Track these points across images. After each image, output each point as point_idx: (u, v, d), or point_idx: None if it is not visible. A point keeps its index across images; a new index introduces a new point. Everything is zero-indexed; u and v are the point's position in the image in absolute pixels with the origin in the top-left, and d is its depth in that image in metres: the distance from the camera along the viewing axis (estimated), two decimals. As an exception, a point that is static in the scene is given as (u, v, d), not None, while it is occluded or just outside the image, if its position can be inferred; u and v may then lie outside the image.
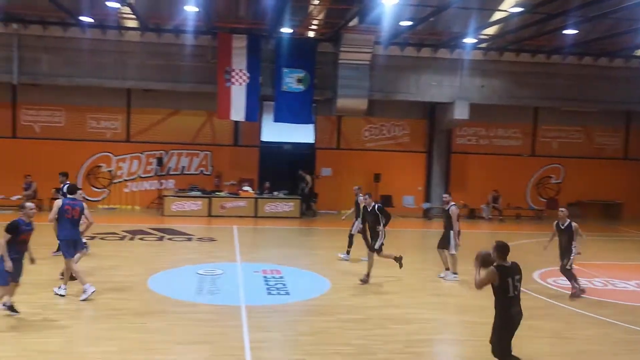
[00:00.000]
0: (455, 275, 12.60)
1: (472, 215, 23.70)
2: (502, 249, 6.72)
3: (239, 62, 20.62)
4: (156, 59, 20.83)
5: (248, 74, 20.68)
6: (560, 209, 11.78)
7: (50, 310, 9.64)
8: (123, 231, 17.35)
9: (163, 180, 22.73)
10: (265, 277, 12.39)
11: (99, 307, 9.90)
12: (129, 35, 20.81)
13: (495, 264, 6.69)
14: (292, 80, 21.00)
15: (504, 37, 20.80)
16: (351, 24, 19.40)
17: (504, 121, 24.78)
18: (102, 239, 16.18)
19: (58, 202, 10.74)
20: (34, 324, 8.91)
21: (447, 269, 12.75)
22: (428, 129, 24.30)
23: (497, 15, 19.05)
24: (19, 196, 20.04)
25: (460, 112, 22.10)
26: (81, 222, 10.75)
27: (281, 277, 12.06)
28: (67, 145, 21.80)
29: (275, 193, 21.85)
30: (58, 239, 10.71)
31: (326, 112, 22.84)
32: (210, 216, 20.94)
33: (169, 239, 16.67)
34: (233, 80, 20.60)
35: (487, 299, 7.22)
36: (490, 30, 20.55)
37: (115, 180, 22.48)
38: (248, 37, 20.61)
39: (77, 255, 10.79)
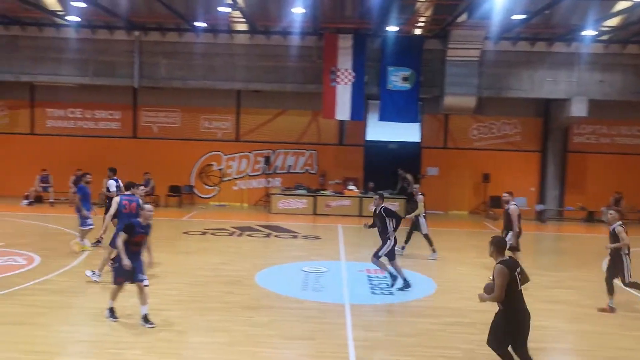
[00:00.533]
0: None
1: (590, 218, 22.26)
2: (500, 244, 6.67)
3: (345, 62, 20.70)
4: (264, 60, 21.39)
5: (353, 73, 20.71)
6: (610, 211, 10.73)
7: (164, 301, 10.11)
8: (232, 227, 17.95)
9: (270, 179, 23.32)
10: (369, 276, 12.32)
11: (210, 300, 10.28)
12: (239, 38, 21.53)
13: (497, 261, 6.58)
14: (397, 79, 20.78)
15: (627, 28, 19.34)
16: (460, 19, 18.87)
17: (627, 118, 23.06)
18: (212, 234, 16.84)
19: (116, 199, 11.44)
20: (152, 314, 9.37)
21: None
22: (542, 127, 23.13)
23: (620, 5, 17.75)
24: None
25: (578, 109, 20.81)
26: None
27: (385, 277, 11.93)
28: (181, 145, 22.93)
29: (380, 192, 21.67)
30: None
31: (433, 110, 22.39)
32: (315, 214, 21.19)
33: (276, 235, 17.04)
34: (338, 79, 20.72)
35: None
36: (612, 22, 19.18)
37: (225, 179, 23.34)
38: (354, 37, 20.64)
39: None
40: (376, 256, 11.27)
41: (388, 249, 11.15)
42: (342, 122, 22.81)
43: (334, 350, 8.05)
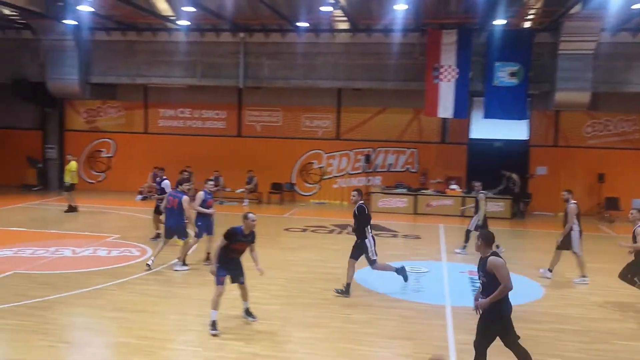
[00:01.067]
0: (584, 279, 11.77)
1: None
2: (487, 237, 6.72)
3: (448, 58, 20.18)
4: (365, 58, 21.34)
5: (457, 70, 20.16)
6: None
7: (265, 295, 10.34)
8: (332, 225, 18.06)
9: (370, 177, 23.24)
10: (471, 278, 11.93)
11: (309, 296, 10.39)
12: (340, 37, 21.62)
13: (489, 254, 6.58)
14: (504, 74, 19.97)
15: None
16: (573, 11, 17.81)
17: None
18: (312, 231, 17.03)
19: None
20: (253, 307, 9.61)
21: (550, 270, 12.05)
22: (666, 124, 21.39)
23: None
24: (242, 189, 22.01)
25: None
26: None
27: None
28: (283, 143, 23.40)
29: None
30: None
31: (542, 106, 21.32)
32: (415, 214, 20.86)
33: (375, 234, 16.84)
34: (441, 76, 20.25)
35: None
36: None
37: (325, 177, 23.54)
38: (458, 32, 20.07)
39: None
40: (372, 263, 10.68)
41: (372, 248, 10.55)
42: (444, 120, 22.29)
43: (433, 351, 7.86)
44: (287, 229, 17.07)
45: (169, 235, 12.13)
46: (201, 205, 12.23)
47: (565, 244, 11.88)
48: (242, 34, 21.86)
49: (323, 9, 18.60)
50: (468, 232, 14.42)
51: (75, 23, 20.67)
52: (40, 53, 22.63)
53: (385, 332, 8.63)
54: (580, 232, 11.82)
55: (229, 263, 8.63)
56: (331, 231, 17.21)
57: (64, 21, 20.37)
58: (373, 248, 10.58)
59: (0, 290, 10.15)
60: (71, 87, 22.50)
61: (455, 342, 8.24)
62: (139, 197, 22.14)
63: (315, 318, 9.24)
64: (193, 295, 10.23)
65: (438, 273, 12.40)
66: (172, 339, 8.28)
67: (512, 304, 6.77)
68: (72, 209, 18.59)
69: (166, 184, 14.68)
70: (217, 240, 8.69)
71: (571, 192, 12.15)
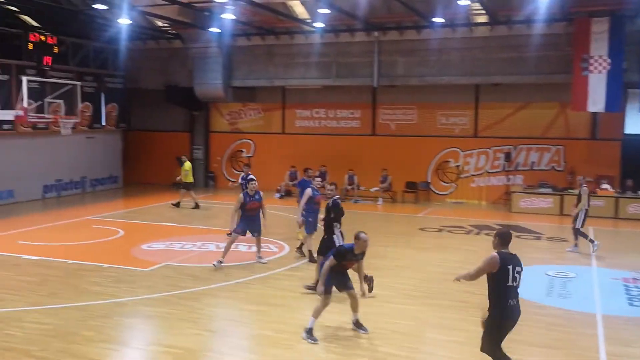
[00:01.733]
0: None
1: None
2: (504, 236, 6.57)
3: (599, 48, 18.67)
4: (505, 52, 20.39)
5: (609, 60, 18.58)
6: None
7: (400, 295, 10.19)
8: (469, 225, 17.45)
9: (511, 176, 22.15)
10: (626, 285, 10.94)
11: (446, 297, 10.08)
12: (478, 30, 20.85)
13: (496, 250, 6.45)
14: (664, 63, 18.10)
15: None
16: None
17: None
18: (449, 231, 16.57)
19: (241, 196, 12.21)
20: (387, 306, 9.52)
21: None
22: None
23: None
24: (376, 188, 21.99)
25: None
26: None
27: (647, 288, 10.47)
28: (418, 142, 23.02)
29: (640, 192, 19.20)
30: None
31: None
32: (561, 215, 19.51)
33: (516, 236, 16.02)
34: (591, 68, 18.78)
35: None
36: None
37: (462, 175, 22.83)
38: (610, 20, 18.51)
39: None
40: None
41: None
42: (594, 115, 20.66)
43: (584, 363, 7.27)
44: (422, 229, 16.77)
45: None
46: (309, 202, 12.24)
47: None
48: (376, 33, 21.84)
49: (460, 2, 18.01)
50: (577, 230, 14.05)
51: (219, 31, 21.87)
52: (189, 60, 24.27)
53: (531, 340, 8.13)
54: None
55: (334, 277, 8.30)
56: (469, 232, 16.64)
57: (210, 29, 21.64)
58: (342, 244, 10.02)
59: (154, 280, 10.97)
60: (215, 91, 23.88)
61: (606, 354, 7.56)
62: (277, 194, 22.92)
63: (453, 320, 8.94)
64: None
65: (587, 279, 11.51)
66: (308, 334, 8.40)
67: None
68: (196, 205, 19.63)
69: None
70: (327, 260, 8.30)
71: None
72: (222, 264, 11.81)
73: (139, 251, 13.29)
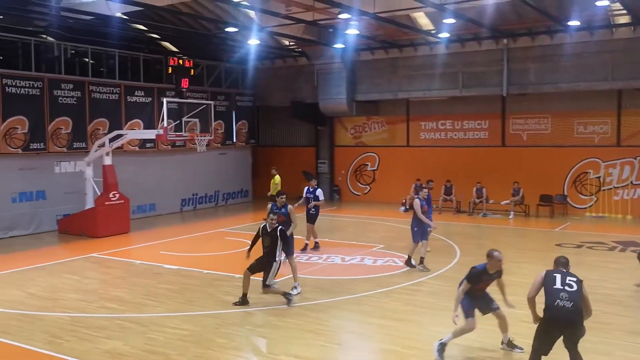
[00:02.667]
0: None
1: None
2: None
3: None
4: (652, 53, 18.80)
5: None
6: None
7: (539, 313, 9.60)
8: (612, 241, 16.12)
9: (659, 188, 20.23)
10: None
11: (591, 318, 9.34)
12: (619, 32, 19.37)
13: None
14: None
15: None
16: None
17: None
18: (589, 248, 15.44)
19: (291, 207, 11.96)
20: (522, 325, 8.98)
21: None
22: None
23: None
24: (507, 201, 21.03)
25: None
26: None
27: None
28: (553, 152, 21.75)
29: None
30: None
31: None
32: None
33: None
34: None
35: None
36: None
37: (604, 187, 21.21)
38: None
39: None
40: (264, 286, 10.19)
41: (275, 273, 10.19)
42: None
43: None
44: (558, 245, 15.74)
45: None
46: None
47: None
48: (505, 40, 21.04)
49: (599, 3, 16.84)
50: None
51: (343, 46, 22.19)
52: (313, 76, 24.87)
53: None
54: None
55: (472, 298, 7.88)
56: (612, 248, 15.38)
57: (334, 46, 22.02)
58: (275, 273, 10.14)
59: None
60: (339, 106, 24.20)
61: None
62: (402, 208, 22.67)
63: (596, 343, 8.23)
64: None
65: None
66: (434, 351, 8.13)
67: None
68: None
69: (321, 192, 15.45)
70: (461, 284, 7.88)
71: None
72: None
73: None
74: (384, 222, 20.03)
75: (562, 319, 6.52)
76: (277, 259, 10.09)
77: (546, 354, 6.76)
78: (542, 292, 6.81)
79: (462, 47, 21.99)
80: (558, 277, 6.77)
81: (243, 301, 10.21)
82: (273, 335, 9.03)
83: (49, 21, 18.72)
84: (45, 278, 12.46)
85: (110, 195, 17.67)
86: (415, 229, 12.86)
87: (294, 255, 11.60)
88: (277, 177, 20.05)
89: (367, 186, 26.15)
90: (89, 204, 17.97)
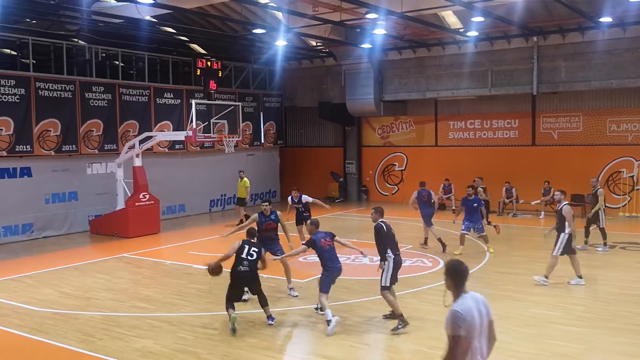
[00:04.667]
0: (545, 280, 11.14)
1: None
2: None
3: None
4: (687, 49, 18.34)
5: None
6: None
7: (569, 316, 9.47)
8: (647, 242, 15.80)
9: (695, 188, 19.71)
10: None
11: (619, 320, 9.20)
12: (654, 27, 18.98)
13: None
14: None
15: None
16: None
17: None
18: (622, 248, 15.15)
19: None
20: (552, 327, 8.86)
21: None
22: None
23: None
24: (537, 201, 20.70)
25: None
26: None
27: None
28: (584, 151, 21.38)
29: None
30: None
31: None
32: None
33: None
34: None
35: None
36: None
37: (637, 187, 20.75)
38: None
39: None
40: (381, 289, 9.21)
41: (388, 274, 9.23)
42: None
43: None
44: (591, 245, 15.46)
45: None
46: None
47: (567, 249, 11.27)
48: (535, 38, 20.75)
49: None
50: (602, 229, 14.70)
51: (370, 46, 22.14)
52: (341, 77, 24.87)
53: None
54: (570, 235, 11.24)
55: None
56: (646, 249, 15.05)
57: (361, 46, 21.98)
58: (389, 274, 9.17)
59: (310, 291, 11.22)
60: (367, 106, 24.16)
61: None
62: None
63: (627, 345, 8.09)
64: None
65: None
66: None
67: None
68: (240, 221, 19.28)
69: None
70: None
71: (564, 192, 11.94)
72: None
73: (296, 263, 13.71)
74: (412, 222, 19.89)
75: None
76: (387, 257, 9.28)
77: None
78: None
79: (491, 46, 21.75)
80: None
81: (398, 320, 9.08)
82: (302, 335, 9.06)
83: (80, 25, 19.10)
84: (78, 278, 12.70)
85: (141, 196, 17.94)
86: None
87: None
88: (247, 181, 19.93)
89: (395, 186, 26.04)
90: (120, 204, 18.27)
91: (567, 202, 11.67)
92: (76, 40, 20.24)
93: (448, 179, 22.06)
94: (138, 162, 18.10)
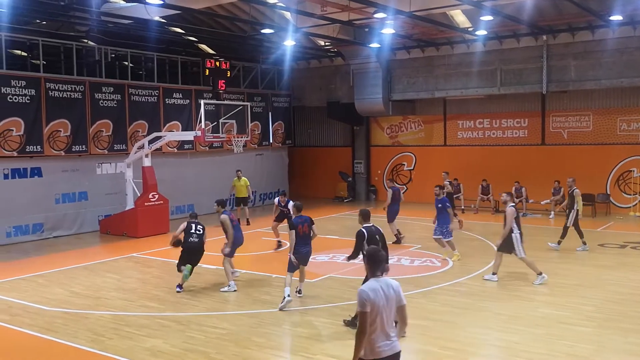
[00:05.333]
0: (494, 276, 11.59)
1: None
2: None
3: None
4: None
5: None
6: None
7: (579, 316, 9.41)
8: (657, 242, 15.69)
9: None
10: None
11: (630, 320, 9.13)
12: (664, 26, 18.83)
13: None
14: None
15: None
16: None
17: None
18: (633, 248, 15.05)
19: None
20: (562, 327, 8.83)
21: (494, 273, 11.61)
22: None
23: None
24: (547, 201, 20.61)
25: None
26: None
27: None
28: (594, 150, 21.25)
29: None
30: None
31: None
32: None
33: None
34: None
35: None
36: None
37: (647, 187, 20.62)
38: None
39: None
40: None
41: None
42: None
43: None
44: (601, 245, 15.37)
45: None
46: None
47: (506, 247, 11.52)
48: (544, 37, 20.64)
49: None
50: (566, 228, 14.63)
51: (379, 46, 22.10)
52: (349, 76, 24.86)
53: None
54: (521, 234, 11.51)
55: None
56: (656, 249, 14.94)
57: (370, 45, 21.95)
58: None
59: (318, 291, 11.24)
60: (376, 106, 24.12)
61: None
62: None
63: (638, 346, 8.04)
64: (496, 309, 9.87)
65: None
66: (474, 352, 8.06)
67: None
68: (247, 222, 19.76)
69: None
70: None
71: (511, 194, 12.17)
72: None
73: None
74: (421, 222, 19.85)
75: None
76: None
77: None
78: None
79: (500, 45, 21.66)
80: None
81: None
82: (310, 335, 9.05)
83: (90, 26, 19.19)
84: (88, 277, 12.77)
85: (150, 196, 18.00)
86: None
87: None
88: (246, 179, 20.02)
89: (404, 186, 25.97)
90: (129, 204, 18.34)
91: (512, 204, 11.73)
92: (86, 41, 20.35)
93: (457, 178, 21.97)
94: (147, 162, 18.17)
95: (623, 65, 19.49)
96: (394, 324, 5.12)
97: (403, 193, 25.83)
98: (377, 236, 8.99)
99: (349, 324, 8.92)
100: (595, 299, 10.30)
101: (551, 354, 7.80)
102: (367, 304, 4.93)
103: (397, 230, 16.03)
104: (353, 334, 8.70)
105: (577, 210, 14.56)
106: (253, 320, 9.52)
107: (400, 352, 5.07)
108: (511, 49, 21.57)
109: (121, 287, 11.85)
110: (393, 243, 15.03)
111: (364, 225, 9.18)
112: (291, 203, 14.62)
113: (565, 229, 14.70)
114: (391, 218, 16.26)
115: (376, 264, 5.17)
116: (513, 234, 11.47)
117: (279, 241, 15.55)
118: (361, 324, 4.96)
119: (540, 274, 11.40)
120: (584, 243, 14.63)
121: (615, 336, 8.48)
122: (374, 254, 5.26)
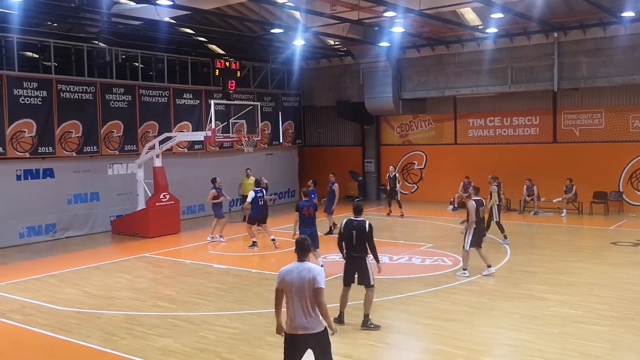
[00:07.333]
0: (465, 272, 11.88)
1: None
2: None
3: None
4: None
5: None
6: None
7: (592, 315, 9.34)
8: (672, 240, 15.50)
9: None
10: None
11: (646, 319, 9.03)
12: (677, 21, 18.62)
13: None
14: None
15: None
16: None
17: None
18: (647, 246, 14.90)
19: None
20: (575, 326, 8.77)
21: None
22: None
23: None
24: (559, 199, 20.47)
25: None
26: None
27: None
28: (607, 147, 21.07)
29: None
30: None
31: None
32: None
33: None
34: None
35: None
36: None
37: (661, 184, 20.41)
38: None
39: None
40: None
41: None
42: None
43: None
44: (614, 243, 15.24)
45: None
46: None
47: (476, 242, 11.95)
48: (555, 34, 20.49)
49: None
50: (498, 223, 15.43)
51: (388, 44, 22.04)
52: (359, 75, 24.82)
53: None
54: (483, 229, 12.29)
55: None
56: (671, 247, 14.79)
57: (379, 44, 21.91)
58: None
59: (329, 290, 11.18)
60: (386, 104, 24.06)
61: None
62: (450, 207, 22.38)
63: (656, 346, 7.95)
64: (507, 308, 9.80)
65: None
66: (487, 351, 8.01)
67: None
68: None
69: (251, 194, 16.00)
70: None
71: (477, 188, 12.69)
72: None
73: (316, 262, 13.71)
74: (432, 220, 19.82)
75: None
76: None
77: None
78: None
79: (511, 42, 21.53)
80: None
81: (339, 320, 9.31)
82: (321, 335, 9.03)
83: (100, 27, 19.29)
84: (100, 277, 12.83)
85: (161, 197, 18.07)
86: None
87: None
88: (252, 178, 19.92)
89: (415, 185, 25.92)
90: (141, 205, 18.42)
91: (479, 199, 12.24)
92: (96, 42, 20.45)
93: (468, 177, 21.87)
94: (158, 162, 18.23)
95: (635, 62, 19.31)
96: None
97: (413, 192, 26.06)
98: (353, 231, 9.11)
99: (367, 326, 8.95)
100: (609, 298, 10.21)
101: (565, 353, 7.75)
102: (278, 281, 5.88)
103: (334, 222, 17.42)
104: (368, 333, 8.74)
105: (499, 205, 15.70)
106: (265, 319, 9.51)
107: (318, 333, 5.73)
108: (522, 46, 21.44)
109: (133, 287, 11.90)
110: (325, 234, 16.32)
111: (350, 218, 9.30)
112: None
113: (498, 224, 15.49)
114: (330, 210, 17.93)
115: (300, 250, 5.97)
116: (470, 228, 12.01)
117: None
118: (275, 299, 5.98)
119: (465, 269, 11.94)
120: (505, 237, 15.38)
121: (630, 335, 8.40)
122: (299, 242, 6.04)
